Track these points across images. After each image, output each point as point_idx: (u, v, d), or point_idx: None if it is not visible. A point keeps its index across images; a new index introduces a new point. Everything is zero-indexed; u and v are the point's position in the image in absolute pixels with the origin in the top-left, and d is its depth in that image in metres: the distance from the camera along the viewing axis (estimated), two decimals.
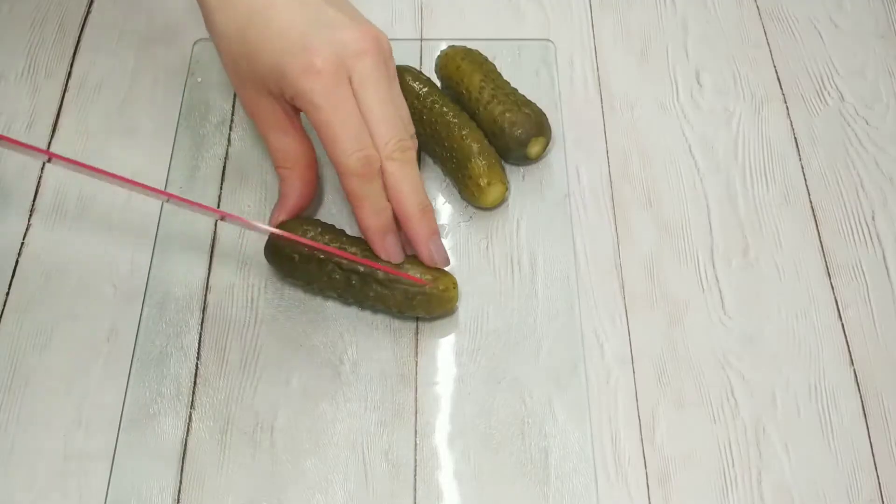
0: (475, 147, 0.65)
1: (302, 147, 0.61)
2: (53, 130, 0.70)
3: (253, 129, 0.70)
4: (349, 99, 0.56)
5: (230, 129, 0.70)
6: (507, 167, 0.68)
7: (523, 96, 0.68)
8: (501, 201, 0.66)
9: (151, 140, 0.69)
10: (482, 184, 0.64)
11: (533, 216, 0.66)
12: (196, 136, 0.69)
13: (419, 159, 0.68)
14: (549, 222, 0.66)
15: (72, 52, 0.74)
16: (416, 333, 0.61)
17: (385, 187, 0.58)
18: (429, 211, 0.59)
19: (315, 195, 0.64)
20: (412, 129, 0.60)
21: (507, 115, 0.66)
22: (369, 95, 0.56)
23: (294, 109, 0.60)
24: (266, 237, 0.61)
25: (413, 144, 0.59)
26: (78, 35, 0.75)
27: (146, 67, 0.74)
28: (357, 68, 0.56)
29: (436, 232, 0.60)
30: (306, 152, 0.62)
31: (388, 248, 0.59)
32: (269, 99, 0.59)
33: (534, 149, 0.67)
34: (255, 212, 0.66)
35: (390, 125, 0.57)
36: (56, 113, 0.71)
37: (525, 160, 0.68)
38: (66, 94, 0.72)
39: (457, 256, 0.64)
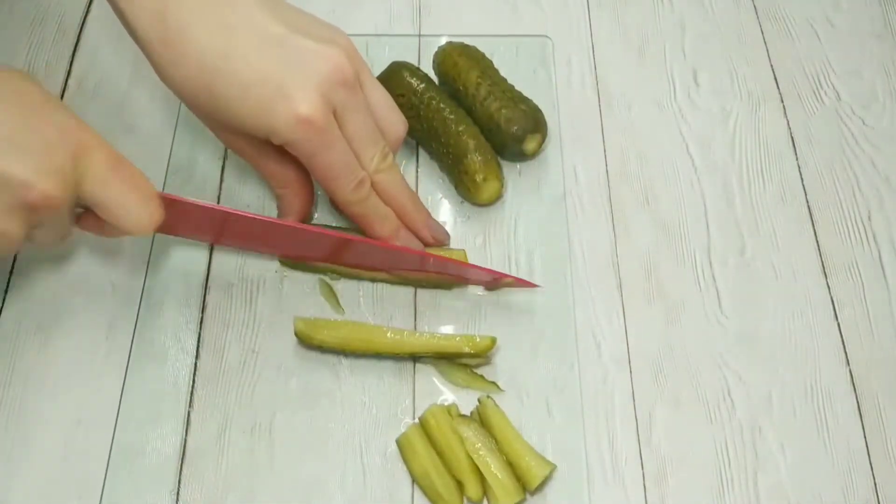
0: (471, 143, 0.65)
1: (293, 167, 0.60)
2: None
3: None
4: (338, 134, 0.56)
5: None
6: (504, 164, 0.68)
7: (520, 93, 0.68)
8: (497, 198, 0.67)
9: (150, 138, 0.69)
10: (478, 180, 0.65)
11: (530, 214, 0.67)
12: (195, 134, 0.69)
13: (416, 155, 0.69)
14: (546, 220, 0.66)
15: (71, 50, 0.74)
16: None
17: (378, 192, 0.60)
18: (417, 199, 0.63)
19: (311, 209, 0.65)
20: (395, 118, 0.60)
21: (504, 111, 0.66)
22: (352, 121, 0.56)
23: None
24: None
25: (389, 151, 0.60)
26: (77, 34, 0.75)
27: (145, 65, 0.73)
28: (338, 100, 0.55)
29: (429, 215, 0.64)
30: (299, 171, 0.61)
31: (407, 241, 0.62)
32: (250, 138, 0.57)
33: (530, 145, 0.67)
34: (255, 210, 0.66)
35: (372, 141, 0.58)
36: None
37: (521, 156, 0.68)
38: (66, 92, 0.72)
39: None
